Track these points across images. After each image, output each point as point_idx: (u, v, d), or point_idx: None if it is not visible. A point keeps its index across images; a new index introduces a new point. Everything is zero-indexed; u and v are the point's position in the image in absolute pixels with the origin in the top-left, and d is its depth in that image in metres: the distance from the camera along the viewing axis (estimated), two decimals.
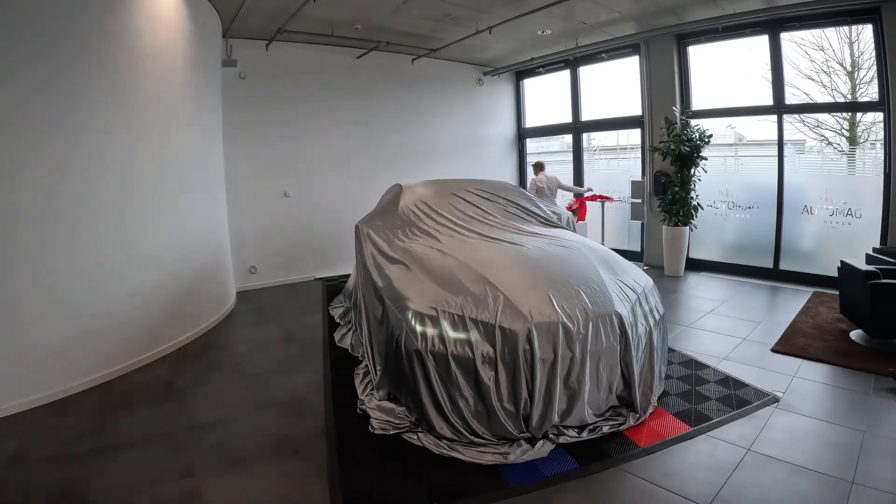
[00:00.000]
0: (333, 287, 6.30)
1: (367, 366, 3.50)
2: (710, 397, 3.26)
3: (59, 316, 3.56)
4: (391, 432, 2.85)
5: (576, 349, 2.71)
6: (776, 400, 3.19)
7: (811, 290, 5.69)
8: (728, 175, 6.75)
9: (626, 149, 8.01)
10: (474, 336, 2.69)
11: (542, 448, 2.62)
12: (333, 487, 2.45)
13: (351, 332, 4.38)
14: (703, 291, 5.92)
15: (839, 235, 5.83)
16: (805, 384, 3.41)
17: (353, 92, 7.24)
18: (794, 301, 5.30)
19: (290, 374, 3.89)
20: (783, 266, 6.31)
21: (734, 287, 6.04)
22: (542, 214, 4.32)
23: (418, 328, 2.79)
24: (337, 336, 4.51)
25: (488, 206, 4.18)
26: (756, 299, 5.55)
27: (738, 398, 3.23)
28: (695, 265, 6.92)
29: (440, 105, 8.16)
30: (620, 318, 2.86)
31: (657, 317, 3.18)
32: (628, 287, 3.13)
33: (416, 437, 2.81)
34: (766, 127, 6.40)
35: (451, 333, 2.73)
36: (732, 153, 6.91)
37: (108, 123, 3.85)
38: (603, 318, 2.82)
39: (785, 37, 6.08)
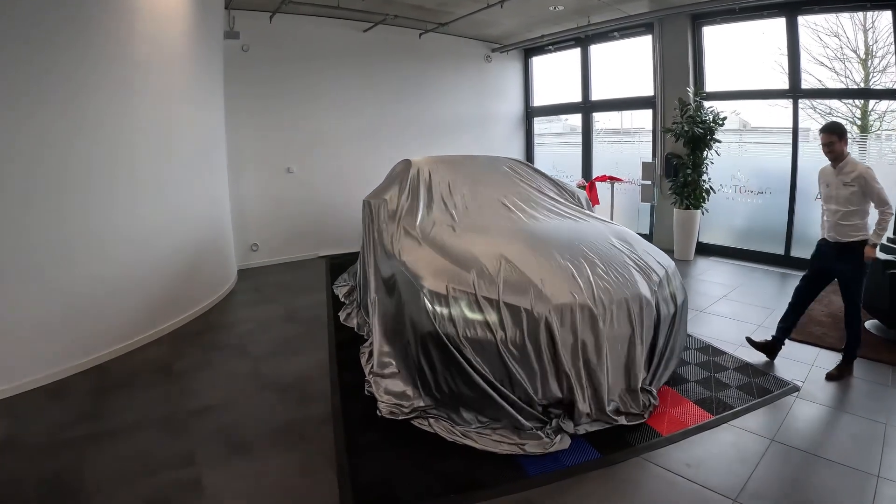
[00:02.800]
0: (337, 265, 6.16)
1: (372, 344, 3.36)
2: (729, 385, 3.16)
3: (46, 295, 3.39)
4: (400, 417, 2.72)
5: (599, 332, 2.57)
6: (797, 389, 3.10)
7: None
8: (740, 159, 6.55)
9: (629, 132, 7.81)
10: (492, 317, 2.54)
11: (563, 441, 2.49)
12: (341, 476, 2.33)
13: (356, 310, 4.25)
14: (714, 276, 5.77)
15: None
16: (823, 373, 3.32)
17: (359, 66, 7.01)
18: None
19: (294, 356, 3.76)
20: (794, 253, 6.14)
21: (745, 273, 5.90)
22: (558, 193, 4.16)
23: (433, 308, 2.63)
24: (342, 315, 4.38)
25: (502, 183, 4.00)
26: (768, 286, 5.43)
27: (759, 386, 3.13)
28: (704, 249, 6.77)
29: (447, 81, 7.92)
30: (645, 300, 2.71)
31: (679, 301, 3.04)
32: (651, 269, 2.98)
33: (427, 422, 2.68)
34: (777, 112, 6.20)
35: (469, 314, 2.58)
36: (738, 139, 6.69)
37: (101, 94, 3.65)
38: (627, 301, 2.67)
39: (801, 21, 5.84)
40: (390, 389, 2.85)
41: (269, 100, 6.35)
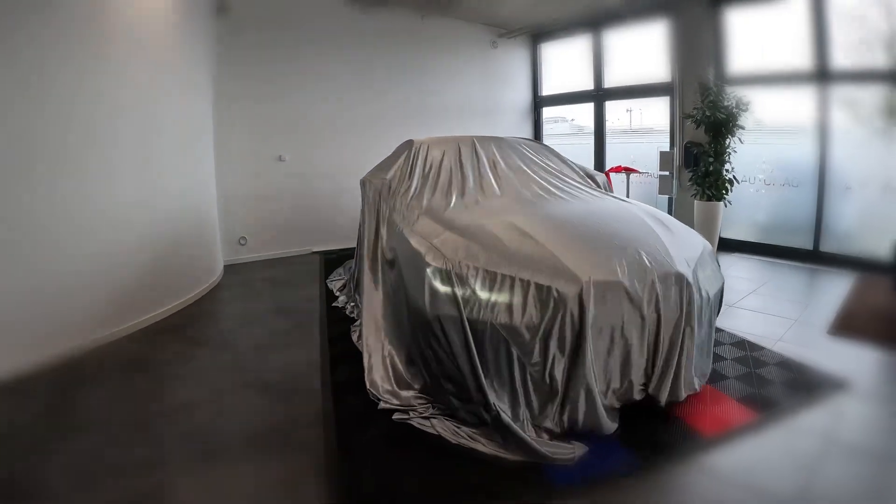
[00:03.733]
0: (333, 261, 5.90)
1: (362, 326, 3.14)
2: (773, 381, 2.89)
3: (7, 279, 3.10)
4: (396, 416, 2.46)
5: (637, 316, 2.27)
6: (845, 385, 2.85)
7: (856, 273, 5.27)
8: (765, 148, 6.28)
9: (639, 132, 7.58)
10: (510, 298, 2.25)
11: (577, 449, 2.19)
12: (331, 486, 2.04)
13: (350, 292, 4.11)
14: (740, 271, 5.50)
15: (887, 215, 5.38)
16: (872, 369, 3.11)
17: (358, 50, 6.76)
18: (840, 284, 4.92)
19: (282, 351, 3.50)
20: (824, 248, 5.86)
21: (772, 268, 5.63)
22: (578, 174, 3.89)
23: (439, 288, 2.35)
24: (338, 298, 4.30)
25: (517, 163, 3.75)
26: (798, 281, 5.18)
27: (804, 382, 2.87)
28: (726, 245, 6.49)
29: (451, 67, 7.68)
30: (686, 281, 2.42)
31: (718, 285, 2.76)
32: (689, 248, 2.70)
33: (429, 422, 2.40)
34: (802, 98, 5.93)
35: (482, 294, 2.29)
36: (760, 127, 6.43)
37: (74, 63, 3.40)
38: (666, 280, 2.38)
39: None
40: (381, 379, 2.59)
41: (260, 83, 6.10)
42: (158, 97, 4.24)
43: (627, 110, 7.87)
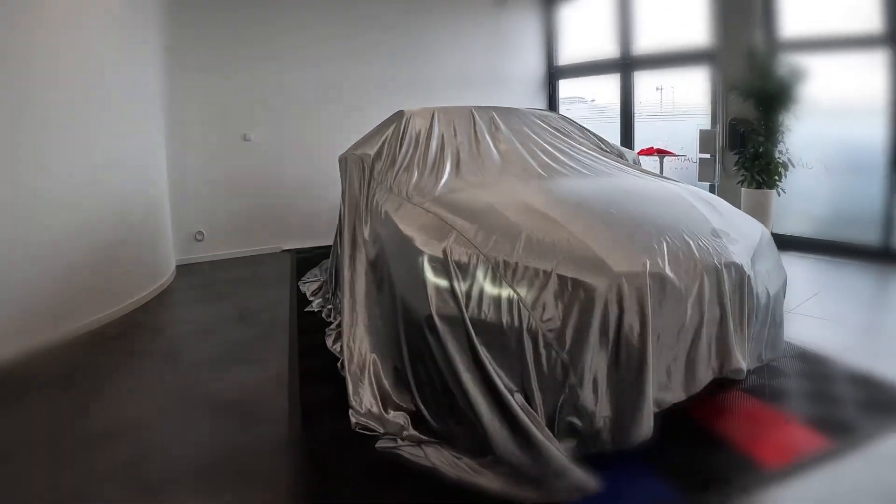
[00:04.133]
0: (306, 261, 5.80)
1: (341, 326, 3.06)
2: (847, 401, 2.74)
3: None
4: (381, 445, 2.32)
5: (683, 315, 2.13)
6: None
7: None
8: (825, 126, 6.16)
9: (672, 115, 7.46)
10: (523, 293, 2.10)
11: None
12: None
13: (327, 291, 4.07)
14: (798, 272, 5.36)
15: None
16: None
17: (339, 9, 6.69)
18: None
19: (243, 365, 3.39)
20: None
21: (834, 269, 5.50)
22: (604, 149, 3.77)
23: (435, 281, 2.20)
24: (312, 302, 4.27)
25: (530, 135, 3.64)
26: (866, 283, 5.06)
27: (886, 402, 2.72)
28: (778, 241, 6.16)
29: (449, 31, 7.59)
30: (742, 274, 2.28)
31: (781, 280, 2.62)
32: (745, 236, 2.56)
33: (422, 452, 2.25)
34: (869, 66, 5.82)
35: (488, 288, 2.14)
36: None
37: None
38: (716, 272, 2.23)
39: None
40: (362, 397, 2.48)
41: (222, 46, 6.03)
42: (100, 66, 4.14)
43: (658, 88, 7.76)
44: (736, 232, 2.56)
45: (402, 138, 3.48)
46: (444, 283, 2.20)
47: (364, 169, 3.27)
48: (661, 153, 6.65)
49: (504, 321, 2.09)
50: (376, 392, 2.56)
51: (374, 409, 2.51)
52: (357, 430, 2.44)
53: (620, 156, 3.83)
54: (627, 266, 2.13)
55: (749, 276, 2.31)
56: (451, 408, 2.22)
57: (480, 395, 2.09)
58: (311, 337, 3.70)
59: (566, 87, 8.73)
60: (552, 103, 8.66)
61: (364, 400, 2.52)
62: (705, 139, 6.57)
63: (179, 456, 2.42)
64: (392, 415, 2.46)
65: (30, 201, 3.56)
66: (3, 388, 3.06)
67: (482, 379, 2.10)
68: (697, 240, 2.35)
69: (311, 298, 4.44)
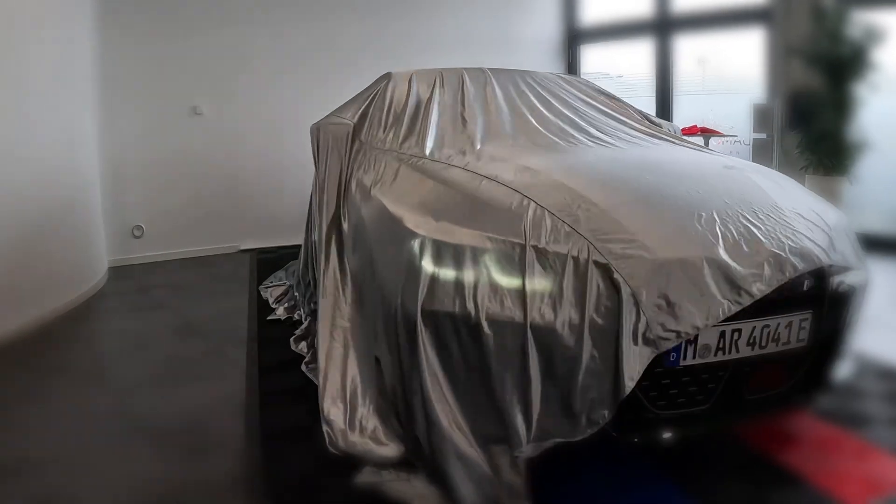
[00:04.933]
0: (268, 262, 5.80)
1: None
2: None
3: None
4: (362, 479, 2.26)
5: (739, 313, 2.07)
6: None
7: None
8: None
9: (715, 91, 7.48)
10: (535, 284, 2.04)
11: None
12: None
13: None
14: (877, 276, 5.32)
15: None
16: None
17: None
18: None
19: (188, 384, 3.37)
20: None
21: None
22: (639, 118, 3.75)
23: (429, 270, 2.14)
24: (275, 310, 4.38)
25: (547, 99, 3.63)
26: None
27: None
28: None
29: None
30: (817, 261, 2.23)
31: (863, 276, 2.59)
32: (820, 220, 2.52)
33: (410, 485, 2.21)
34: None
35: (497, 278, 2.07)
36: None
37: None
38: (785, 262, 2.18)
39: None
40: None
41: (169, 5, 6.05)
42: (14, 23, 4.10)
43: (699, 61, 7.84)
44: (809, 215, 2.52)
45: (388, 103, 3.48)
46: (440, 271, 2.14)
47: (341, 139, 3.23)
48: (707, 132, 6.69)
49: (505, 316, 2.03)
50: (358, 413, 2.50)
51: (354, 435, 2.44)
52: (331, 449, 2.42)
53: (661, 126, 3.81)
54: (673, 251, 2.07)
55: (824, 267, 2.26)
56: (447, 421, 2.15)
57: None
58: (274, 351, 3.68)
59: (589, 57, 8.77)
60: (572, 72, 8.68)
61: (341, 421, 2.46)
62: (761, 116, 6.63)
63: (104, 494, 2.37)
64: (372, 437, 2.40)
65: None
66: None
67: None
68: (765, 223, 2.30)
69: (273, 305, 4.44)
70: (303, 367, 3.28)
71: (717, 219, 2.25)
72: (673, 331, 1.96)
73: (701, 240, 2.13)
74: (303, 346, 3.53)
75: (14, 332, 4.02)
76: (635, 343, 1.97)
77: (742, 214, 2.30)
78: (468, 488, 2.06)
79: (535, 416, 2.02)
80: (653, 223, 2.20)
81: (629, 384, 1.93)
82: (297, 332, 3.72)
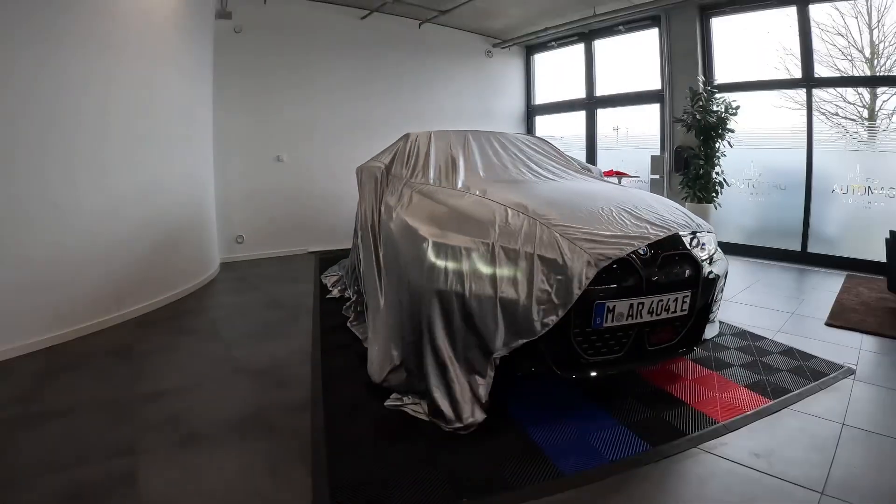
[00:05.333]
0: (328, 260, 5.64)
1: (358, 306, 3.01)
2: (780, 369, 2.69)
3: None
4: (389, 403, 2.25)
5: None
6: (852, 372, 2.68)
7: (843, 273, 5.14)
8: (753, 153, 6.13)
9: (626, 147, 7.43)
10: (502, 271, 2.02)
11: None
12: (317, 476, 1.78)
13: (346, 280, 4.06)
14: (732, 271, 5.16)
15: (872, 217, 5.25)
16: (874, 357, 2.93)
17: (355, 55, 6.59)
18: (830, 282, 4.75)
19: (273, 340, 3.27)
20: (812, 249, 5.69)
21: (762, 269, 5.45)
22: (578, 166, 3.73)
23: (437, 262, 2.12)
24: (328, 283, 4.37)
25: (517, 154, 3.58)
26: (789, 279, 4.99)
27: (811, 370, 2.67)
28: None
29: (446, 75, 7.51)
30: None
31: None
32: (681, 214, 2.52)
33: (421, 408, 2.18)
34: (786, 111, 5.82)
35: (478, 266, 2.05)
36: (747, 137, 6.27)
37: (68, 41, 3.19)
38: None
39: (813, 10, 5.51)
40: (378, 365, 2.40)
41: (260, 83, 5.91)
42: (157, 90, 4.03)
43: (615, 128, 7.74)
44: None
45: (408, 153, 3.41)
46: (445, 263, 2.11)
47: (377, 175, 3.18)
48: (619, 174, 6.56)
49: (494, 294, 2.01)
50: (390, 359, 2.45)
51: (386, 374, 2.40)
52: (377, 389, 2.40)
53: (588, 170, 3.77)
54: (603, 249, 2.05)
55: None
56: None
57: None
58: (330, 319, 3.59)
59: (541, 123, 8.70)
60: (530, 132, 8.60)
61: (381, 366, 2.41)
62: (655, 163, 6.52)
63: (218, 411, 2.31)
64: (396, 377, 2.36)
65: (88, 207, 3.41)
66: (68, 360, 2.93)
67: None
68: (660, 224, 2.29)
69: (331, 288, 4.34)
70: (348, 325, 3.33)
71: (615, 209, 2.26)
72: (603, 255, 1.99)
73: (607, 219, 2.13)
74: (350, 312, 3.54)
75: (158, 305, 3.97)
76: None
77: (634, 207, 2.31)
78: (445, 405, 2.06)
79: (503, 335, 2.01)
80: (579, 218, 2.19)
81: (577, 292, 1.94)
82: (347, 304, 3.70)
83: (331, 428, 2.09)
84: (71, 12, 3.19)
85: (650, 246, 2.12)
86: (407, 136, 3.72)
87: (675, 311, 2.13)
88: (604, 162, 7.63)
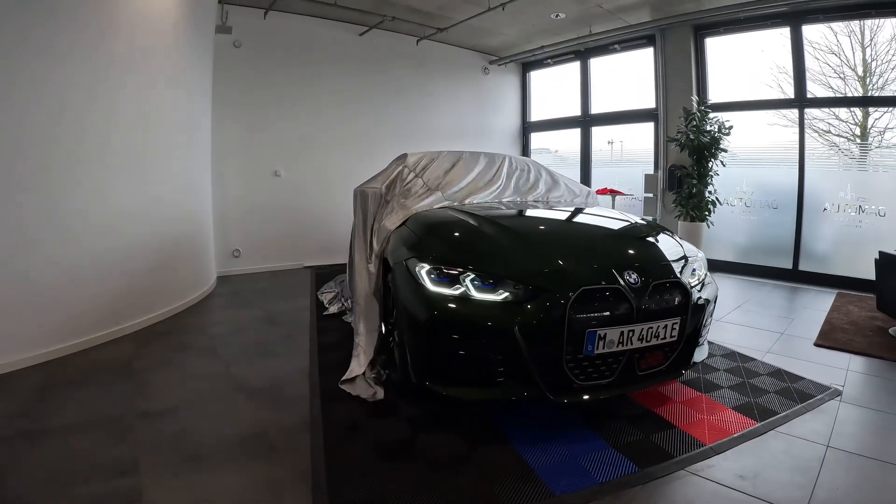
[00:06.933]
0: (324, 275, 5.72)
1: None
2: (767, 390, 2.78)
3: None
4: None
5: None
6: (839, 393, 2.76)
7: (834, 291, 5.27)
8: (746, 172, 6.27)
9: (620, 162, 7.57)
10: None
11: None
12: (318, 496, 1.84)
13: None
14: (723, 289, 5.34)
15: (863, 235, 5.40)
16: (861, 378, 3.02)
17: (354, 71, 6.71)
18: (820, 300, 4.87)
19: (271, 358, 3.32)
20: (803, 267, 5.82)
21: (754, 287, 5.57)
22: (571, 189, 3.82)
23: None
24: (325, 300, 4.46)
25: (512, 177, 3.67)
26: (780, 298, 5.11)
27: (798, 391, 2.76)
28: (708, 265, 6.40)
29: (444, 91, 7.66)
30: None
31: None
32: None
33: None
34: (779, 130, 5.98)
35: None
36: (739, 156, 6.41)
37: (71, 59, 3.27)
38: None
39: (807, 30, 5.69)
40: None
41: (258, 99, 6.02)
42: (157, 106, 4.12)
43: (609, 142, 7.88)
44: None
45: (404, 175, 3.48)
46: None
47: (372, 198, 3.26)
48: (613, 192, 6.69)
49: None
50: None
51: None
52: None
53: (588, 194, 3.87)
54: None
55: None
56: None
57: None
58: (328, 336, 3.63)
59: (536, 139, 8.84)
60: (525, 151, 8.76)
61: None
62: (649, 181, 6.66)
63: (218, 430, 2.36)
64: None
65: (82, 219, 3.44)
66: (68, 374, 2.98)
67: None
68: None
69: (327, 305, 4.39)
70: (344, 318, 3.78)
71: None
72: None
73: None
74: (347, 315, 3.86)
75: (157, 319, 4.02)
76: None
77: (631, 252, 2.41)
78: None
79: None
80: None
81: None
82: (347, 314, 3.89)
83: (330, 448, 2.15)
84: (74, 28, 3.26)
85: (640, 274, 2.21)
86: (404, 156, 3.80)
87: (665, 338, 2.21)
88: (598, 178, 7.77)
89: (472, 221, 2.69)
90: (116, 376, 2.98)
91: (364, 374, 2.75)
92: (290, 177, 6.30)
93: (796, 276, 5.83)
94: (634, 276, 2.19)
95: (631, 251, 2.45)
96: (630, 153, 7.62)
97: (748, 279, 5.93)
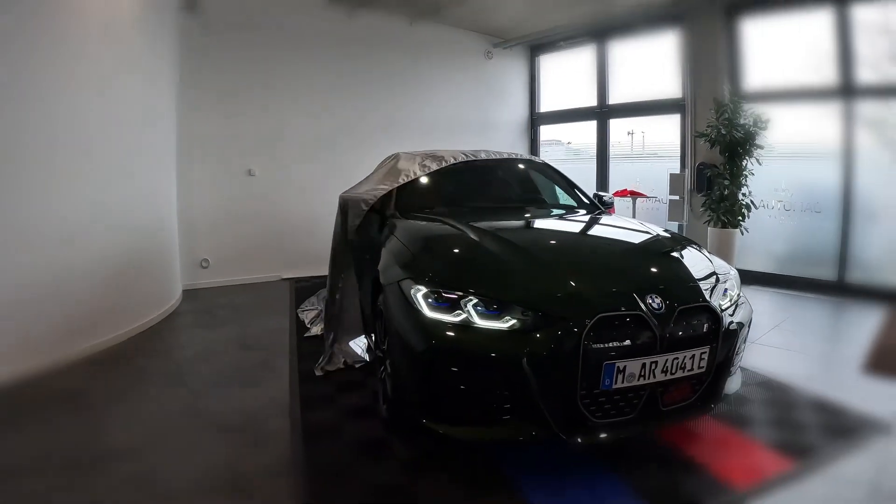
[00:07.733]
0: (304, 289, 5.75)
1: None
2: (807, 425, 2.79)
3: None
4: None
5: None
6: (887, 428, 2.75)
7: (887, 305, 5.24)
8: (785, 171, 6.29)
9: (642, 156, 7.56)
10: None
11: None
12: None
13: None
14: (759, 305, 5.39)
15: None
16: None
17: (340, 56, 6.77)
18: (870, 317, 4.87)
19: (246, 389, 3.35)
20: (850, 279, 5.85)
21: (794, 302, 5.60)
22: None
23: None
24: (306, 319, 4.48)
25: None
26: (823, 314, 5.17)
27: (843, 427, 2.77)
28: (742, 277, 6.38)
29: (442, 79, 7.73)
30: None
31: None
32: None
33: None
34: (823, 121, 5.99)
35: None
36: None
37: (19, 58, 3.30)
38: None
39: (857, 9, 5.71)
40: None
41: (231, 89, 6.07)
42: (116, 97, 4.15)
43: (629, 133, 7.93)
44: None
45: (397, 179, 3.52)
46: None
47: (360, 207, 3.29)
48: (634, 195, 6.74)
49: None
50: None
51: None
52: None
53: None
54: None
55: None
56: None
57: None
58: (309, 362, 3.63)
59: (546, 132, 8.90)
60: (534, 146, 8.81)
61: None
62: (675, 182, 6.68)
63: (184, 473, 2.38)
64: None
65: (36, 229, 3.50)
66: (11, 406, 3.00)
67: None
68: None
69: (309, 325, 4.41)
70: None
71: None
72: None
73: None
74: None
75: (116, 341, 4.05)
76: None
77: (655, 272, 2.43)
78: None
79: None
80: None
81: None
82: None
83: (314, 494, 2.17)
84: (14, 10, 3.27)
85: (664, 297, 2.25)
86: (396, 157, 3.84)
87: (692, 369, 2.24)
88: (616, 176, 7.80)
89: (472, 235, 2.72)
90: (69, 410, 3.00)
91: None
92: (266, 176, 6.35)
93: (843, 289, 5.85)
94: (658, 300, 2.21)
95: (654, 270, 2.48)
96: (652, 147, 7.67)
97: (788, 293, 5.95)
